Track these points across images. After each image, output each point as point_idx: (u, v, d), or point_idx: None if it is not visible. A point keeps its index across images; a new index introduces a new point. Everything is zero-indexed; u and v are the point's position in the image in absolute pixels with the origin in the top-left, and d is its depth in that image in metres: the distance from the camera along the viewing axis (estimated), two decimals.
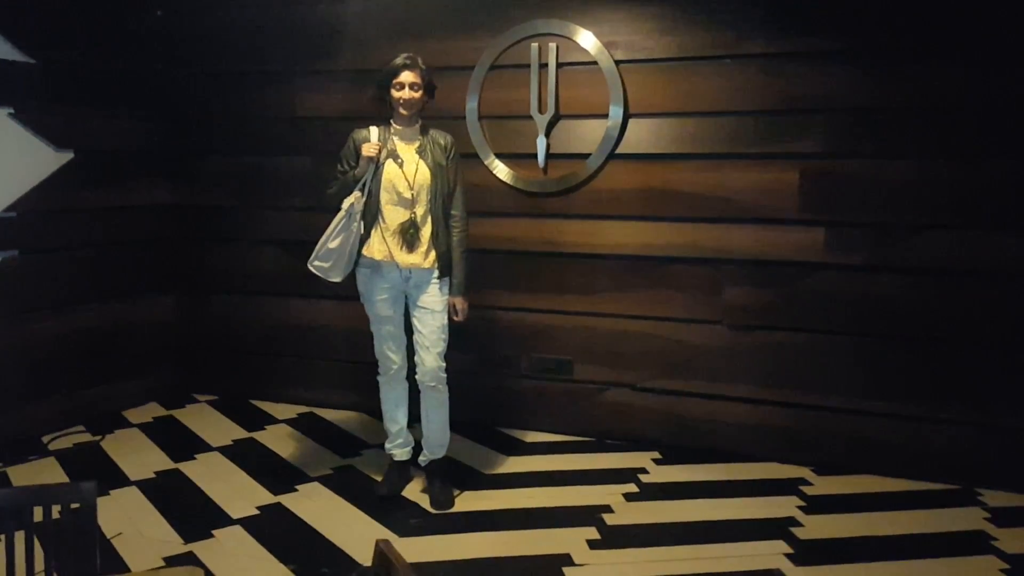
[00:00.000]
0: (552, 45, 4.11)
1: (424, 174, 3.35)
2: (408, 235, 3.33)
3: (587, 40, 4.05)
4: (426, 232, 3.36)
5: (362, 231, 3.37)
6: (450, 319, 3.47)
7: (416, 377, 3.48)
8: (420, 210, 3.35)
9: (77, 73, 4.41)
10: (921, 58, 3.61)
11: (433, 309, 3.41)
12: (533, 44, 4.14)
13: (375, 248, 3.37)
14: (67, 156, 4.31)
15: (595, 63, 4.05)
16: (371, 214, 3.36)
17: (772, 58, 3.81)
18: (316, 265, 3.41)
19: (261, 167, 4.79)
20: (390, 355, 3.55)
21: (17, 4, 4.08)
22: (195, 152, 4.95)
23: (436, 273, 3.39)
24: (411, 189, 3.32)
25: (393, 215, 3.34)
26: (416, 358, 3.47)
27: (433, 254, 3.38)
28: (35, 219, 4.19)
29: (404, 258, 3.35)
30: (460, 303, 3.46)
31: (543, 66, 4.13)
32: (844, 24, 3.70)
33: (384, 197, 3.34)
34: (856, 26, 3.69)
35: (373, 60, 4.04)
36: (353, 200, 3.34)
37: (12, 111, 4.03)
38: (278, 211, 4.76)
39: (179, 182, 4.97)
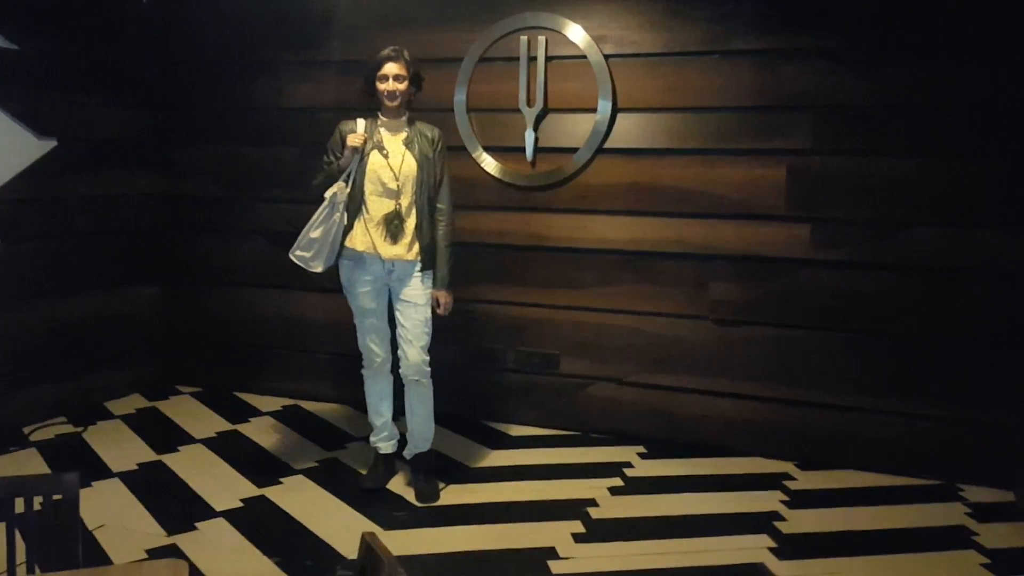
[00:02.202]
0: (541, 38, 4.10)
1: (410, 165, 3.33)
2: (392, 226, 3.32)
3: (576, 34, 4.05)
4: (410, 223, 3.35)
5: (345, 222, 3.36)
6: (433, 313, 3.46)
7: (400, 371, 3.47)
8: (405, 201, 3.34)
9: (61, 60, 4.36)
10: (909, 56, 3.63)
11: (416, 302, 3.40)
12: (522, 37, 4.13)
13: (357, 239, 3.35)
14: (50, 144, 4.26)
15: (584, 57, 4.05)
16: (355, 205, 3.34)
17: (761, 54, 3.82)
18: (297, 255, 3.40)
19: (247, 157, 4.76)
20: (373, 348, 3.54)
21: None
22: (180, 141, 4.91)
23: (419, 266, 3.38)
24: (396, 180, 3.31)
25: (377, 206, 3.33)
26: (399, 352, 3.46)
27: (417, 246, 3.36)
28: (17, 207, 4.14)
29: (387, 250, 3.33)
30: (443, 297, 3.45)
31: (532, 59, 4.13)
32: (833, 21, 3.72)
33: (368, 188, 3.33)
34: (845, 23, 3.71)
35: (362, 51, 4.02)
36: (336, 190, 3.32)
37: None
38: (264, 202, 4.73)
39: (164, 171, 4.92)
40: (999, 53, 3.52)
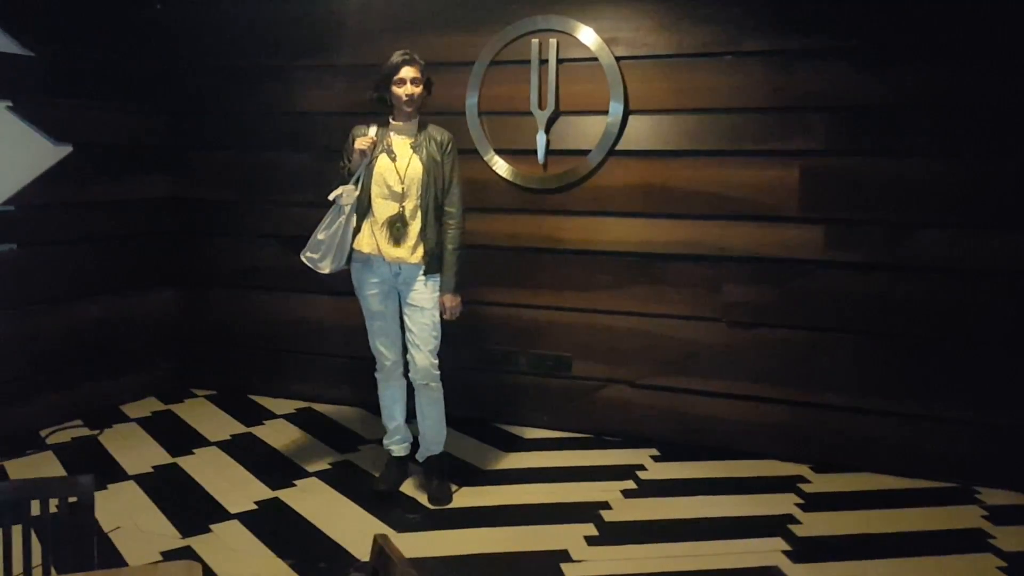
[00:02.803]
0: (553, 41, 4.10)
1: (416, 168, 3.34)
2: (395, 229, 3.32)
3: (588, 36, 4.05)
4: (414, 227, 3.35)
5: (354, 224, 3.38)
6: (441, 317, 3.46)
7: (409, 375, 3.48)
8: (410, 204, 3.34)
9: (76, 66, 4.40)
10: (921, 56, 3.61)
11: (422, 307, 3.40)
12: (533, 40, 4.13)
13: (364, 241, 3.37)
14: (66, 149, 4.30)
15: (595, 59, 4.04)
16: (363, 207, 3.36)
17: (773, 55, 3.81)
18: (307, 256, 3.43)
19: (261, 162, 4.78)
20: (383, 351, 3.55)
21: None
22: (194, 146, 4.94)
23: (423, 269, 3.39)
24: (401, 183, 3.32)
25: (383, 208, 3.34)
26: (408, 356, 3.47)
27: (421, 249, 3.36)
28: (33, 212, 4.18)
29: (390, 251, 3.34)
30: (450, 301, 3.42)
31: (543, 62, 4.13)
32: (845, 21, 3.70)
33: (375, 190, 3.34)
34: (857, 23, 3.69)
35: (373, 55, 4.02)
36: (342, 192, 3.34)
37: (11, 104, 4.02)
38: (278, 206, 4.75)
39: (178, 176, 4.96)
40: (1015, 53, 3.49)
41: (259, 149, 4.78)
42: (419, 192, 3.35)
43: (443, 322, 3.46)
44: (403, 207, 3.33)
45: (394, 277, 3.42)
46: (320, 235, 3.37)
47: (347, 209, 3.34)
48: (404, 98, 3.29)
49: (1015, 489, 3.61)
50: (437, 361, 3.46)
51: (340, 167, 3.43)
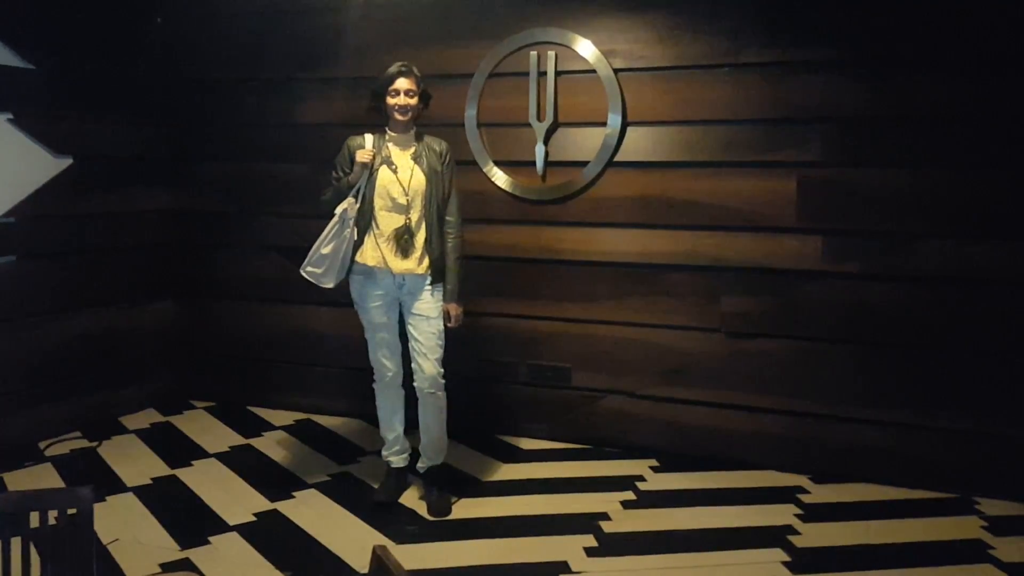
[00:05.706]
0: (551, 53, 4.12)
1: (419, 180, 3.36)
2: (402, 241, 3.34)
3: (586, 48, 4.07)
4: (420, 238, 3.37)
5: (355, 237, 3.38)
6: (444, 325, 3.47)
7: (414, 384, 3.48)
8: (414, 216, 3.36)
9: (77, 79, 4.42)
10: (918, 68, 3.63)
11: (428, 315, 3.42)
12: (532, 52, 4.15)
13: (368, 254, 3.37)
14: (66, 162, 4.31)
15: (594, 71, 4.06)
16: (365, 220, 3.37)
17: (770, 67, 3.83)
18: (308, 271, 3.42)
19: (260, 174, 4.80)
20: (385, 362, 3.55)
21: (18, 10, 4.09)
22: (194, 158, 4.95)
23: (430, 279, 3.40)
24: (406, 195, 3.34)
25: (387, 221, 3.35)
26: (413, 365, 3.47)
27: (427, 260, 3.38)
28: (33, 224, 4.19)
29: (398, 264, 3.35)
30: (454, 309, 3.46)
31: (542, 74, 4.15)
32: (841, 34, 3.72)
33: (378, 203, 3.35)
34: (853, 36, 3.71)
35: (371, 68, 4.04)
36: (346, 206, 3.35)
37: (11, 117, 4.04)
38: (276, 218, 4.77)
39: (178, 188, 4.97)
40: (1009, 64, 3.51)
41: (258, 161, 4.80)
42: (423, 203, 3.37)
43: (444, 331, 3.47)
44: (408, 219, 3.35)
45: (398, 288, 3.43)
46: (324, 249, 3.36)
47: (351, 223, 3.35)
48: (397, 108, 3.32)
49: (1014, 499, 3.61)
50: (443, 370, 3.46)
51: (333, 178, 3.44)
